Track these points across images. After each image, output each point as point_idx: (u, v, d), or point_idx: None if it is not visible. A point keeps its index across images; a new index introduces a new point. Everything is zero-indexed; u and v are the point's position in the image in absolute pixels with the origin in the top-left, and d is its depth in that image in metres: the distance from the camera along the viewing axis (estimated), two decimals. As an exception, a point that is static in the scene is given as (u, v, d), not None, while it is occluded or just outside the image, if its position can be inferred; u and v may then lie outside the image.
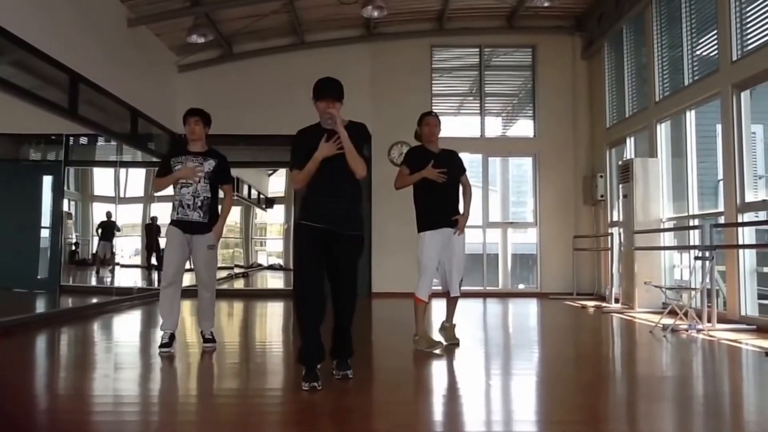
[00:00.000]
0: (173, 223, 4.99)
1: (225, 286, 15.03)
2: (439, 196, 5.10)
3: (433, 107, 11.30)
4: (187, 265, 5.16)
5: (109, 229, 10.41)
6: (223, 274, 15.96)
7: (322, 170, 3.81)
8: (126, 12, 8.84)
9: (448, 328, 5.48)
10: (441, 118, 5.33)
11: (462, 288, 5.42)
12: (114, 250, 10.60)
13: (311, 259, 3.81)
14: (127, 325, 7.40)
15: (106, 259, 10.44)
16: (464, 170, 5.31)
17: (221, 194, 5.18)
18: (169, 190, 5.11)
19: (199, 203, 4.93)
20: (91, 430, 3.12)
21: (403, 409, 3.48)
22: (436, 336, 5.45)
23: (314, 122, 4.01)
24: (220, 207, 5.19)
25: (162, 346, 4.93)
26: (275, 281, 14.87)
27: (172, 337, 4.98)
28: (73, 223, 9.64)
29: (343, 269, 3.91)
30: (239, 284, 16.51)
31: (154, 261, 12.68)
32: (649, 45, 8.94)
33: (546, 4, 9.08)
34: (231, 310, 9.12)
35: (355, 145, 3.83)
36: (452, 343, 5.37)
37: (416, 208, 5.22)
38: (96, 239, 13.04)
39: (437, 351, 5.04)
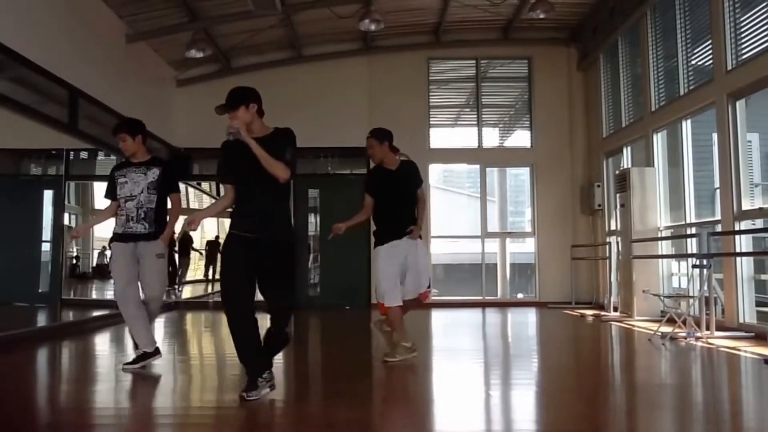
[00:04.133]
0: (116, 237, 4.81)
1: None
2: (392, 212, 5.11)
3: (431, 119, 11.39)
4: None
5: None
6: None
7: (247, 180, 3.79)
8: (125, 28, 8.90)
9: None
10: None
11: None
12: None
13: (236, 269, 3.76)
14: (128, 338, 7.40)
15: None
16: (419, 184, 5.27)
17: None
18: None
19: (143, 214, 4.73)
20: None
21: (403, 419, 3.49)
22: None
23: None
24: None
25: (127, 363, 4.77)
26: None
27: (144, 355, 4.77)
28: (73, 237, 9.66)
29: (273, 278, 3.80)
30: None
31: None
32: (644, 55, 9.01)
33: (541, 16, 9.16)
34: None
35: (274, 150, 3.69)
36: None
37: (374, 224, 5.20)
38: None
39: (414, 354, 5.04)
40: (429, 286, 5.25)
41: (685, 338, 6.12)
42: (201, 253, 16.67)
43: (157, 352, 4.83)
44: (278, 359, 5.93)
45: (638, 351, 6.06)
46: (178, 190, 4.93)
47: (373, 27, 9.28)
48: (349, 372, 4.91)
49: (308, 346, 7.16)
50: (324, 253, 11.33)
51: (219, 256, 13.66)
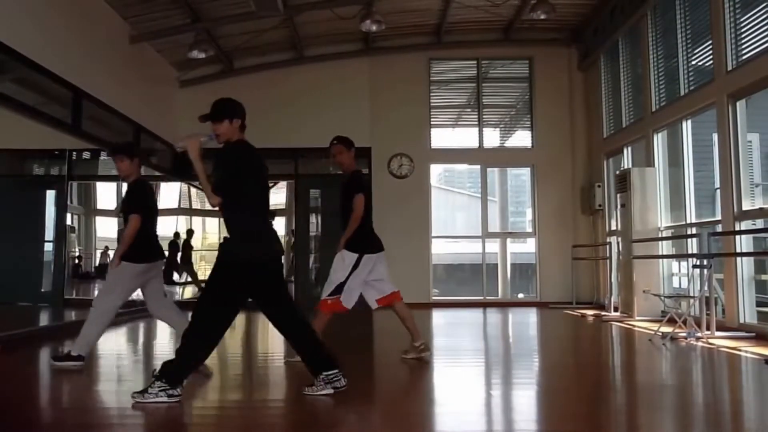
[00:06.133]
0: None
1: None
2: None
3: (432, 119, 11.43)
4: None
5: None
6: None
7: None
8: (128, 29, 8.93)
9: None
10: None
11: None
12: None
13: None
14: (130, 337, 7.43)
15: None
16: (351, 193, 5.23)
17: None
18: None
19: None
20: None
21: (404, 419, 3.51)
22: None
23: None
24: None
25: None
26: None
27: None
28: (76, 236, 9.70)
29: None
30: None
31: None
32: (644, 56, 9.03)
33: (542, 17, 9.18)
34: (234, 321, 9.13)
35: (212, 172, 3.74)
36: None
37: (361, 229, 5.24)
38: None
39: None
40: (332, 294, 5.29)
41: (686, 338, 6.14)
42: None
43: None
44: (279, 360, 5.96)
45: (639, 351, 6.07)
46: (133, 211, 4.88)
47: (374, 28, 9.30)
48: (349, 372, 4.94)
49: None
50: (324, 253, 11.35)
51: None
